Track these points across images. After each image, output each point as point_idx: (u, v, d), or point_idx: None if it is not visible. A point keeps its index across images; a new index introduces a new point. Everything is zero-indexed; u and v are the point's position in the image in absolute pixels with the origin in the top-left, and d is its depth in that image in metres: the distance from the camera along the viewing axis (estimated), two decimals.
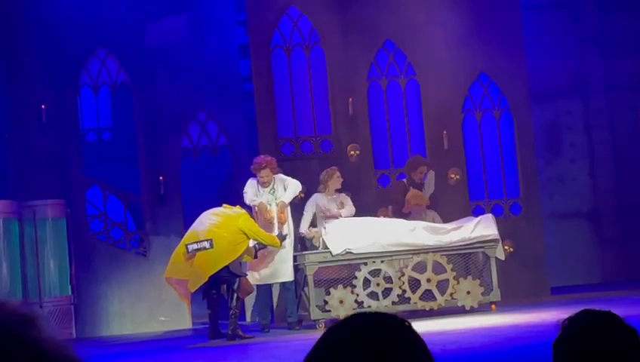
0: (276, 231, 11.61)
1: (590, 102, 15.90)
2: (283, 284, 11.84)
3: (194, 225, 11.27)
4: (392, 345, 1.78)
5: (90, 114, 14.28)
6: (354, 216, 12.30)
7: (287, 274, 11.73)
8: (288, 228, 11.75)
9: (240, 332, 10.92)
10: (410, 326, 1.84)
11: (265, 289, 11.85)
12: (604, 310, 2.53)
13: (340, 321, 1.87)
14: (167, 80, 13.80)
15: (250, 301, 13.10)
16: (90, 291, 13.39)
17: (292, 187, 11.80)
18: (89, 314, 13.38)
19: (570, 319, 2.51)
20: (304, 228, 12.23)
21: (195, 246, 10.93)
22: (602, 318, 2.51)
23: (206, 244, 10.87)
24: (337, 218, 12.05)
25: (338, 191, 12.32)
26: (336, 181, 12.23)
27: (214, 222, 11.07)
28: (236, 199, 12.96)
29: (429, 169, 12.77)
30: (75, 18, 13.60)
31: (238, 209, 11.34)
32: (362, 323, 1.82)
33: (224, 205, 11.50)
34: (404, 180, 12.86)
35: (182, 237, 13.71)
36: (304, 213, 12.37)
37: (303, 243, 12.14)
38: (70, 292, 13.01)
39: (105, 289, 13.47)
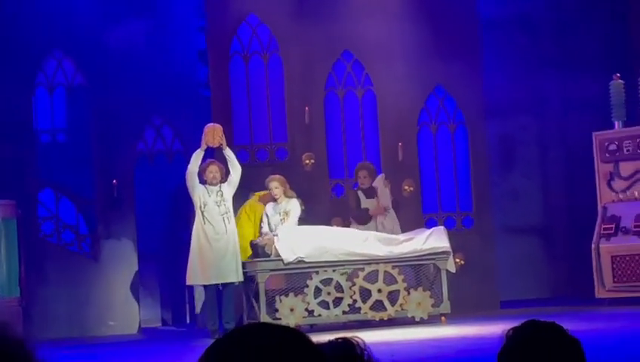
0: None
1: (545, 120, 16.05)
2: (224, 286, 11.78)
3: None
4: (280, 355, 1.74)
5: (45, 115, 14.17)
6: (307, 224, 12.31)
7: (233, 275, 11.71)
8: (229, 228, 11.77)
9: None
10: (301, 339, 1.79)
11: (212, 291, 11.81)
12: (548, 321, 2.56)
13: (231, 331, 1.83)
14: (124, 83, 13.74)
15: (201, 306, 13.06)
16: (39, 293, 13.27)
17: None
18: (37, 316, 13.26)
19: (514, 329, 2.54)
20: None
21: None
22: (546, 328, 2.54)
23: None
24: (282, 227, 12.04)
25: (287, 197, 12.27)
26: (272, 191, 12.18)
27: None
28: (190, 204, 12.94)
29: (370, 173, 12.70)
30: (31, 18, 13.50)
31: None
32: (251, 334, 1.78)
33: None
34: (356, 189, 12.89)
35: (133, 240, 13.68)
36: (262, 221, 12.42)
37: (255, 251, 12.13)
38: (19, 294, 12.89)
39: (54, 292, 13.36)
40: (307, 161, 13.61)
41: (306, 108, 13.69)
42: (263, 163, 13.57)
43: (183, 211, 14.29)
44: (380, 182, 12.73)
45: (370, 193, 12.63)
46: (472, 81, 14.22)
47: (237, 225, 11.94)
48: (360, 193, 12.72)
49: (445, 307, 12.03)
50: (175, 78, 13.98)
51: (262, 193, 12.42)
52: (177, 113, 14.02)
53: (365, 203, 12.64)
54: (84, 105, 13.94)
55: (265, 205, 12.27)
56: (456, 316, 12.02)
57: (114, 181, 13.61)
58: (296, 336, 1.72)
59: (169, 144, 14.17)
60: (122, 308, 13.51)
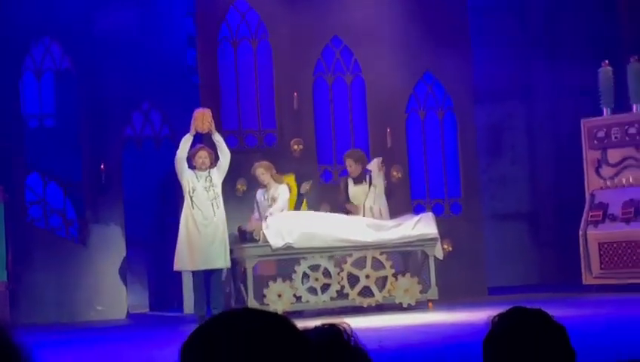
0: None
1: (533, 106, 16.07)
2: (213, 272, 11.79)
3: None
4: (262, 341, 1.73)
5: (33, 100, 14.13)
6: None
7: (221, 261, 11.73)
8: (218, 214, 11.78)
9: None
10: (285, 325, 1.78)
11: (200, 277, 11.82)
12: (534, 308, 2.57)
13: (214, 316, 1.82)
14: (112, 68, 13.71)
15: (189, 292, 13.08)
16: (26, 277, 13.27)
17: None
18: (25, 301, 13.25)
19: (499, 316, 2.55)
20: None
21: None
22: (531, 315, 2.55)
23: None
24: (270, 213, 12.05)
25: (277, 183, 12.29)
26: (259, 177, 12.26)
27: None
28: (178, 189, 12.93)
29: (357, 160, 12.59)
30: (19, 2, 13.45)
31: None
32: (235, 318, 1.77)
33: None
34: (346, 176, 12.87)
35: (121, 226, 13.67)
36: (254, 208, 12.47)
37: (243, 236, 12.15)
38: (6, 278, 12.88)
39: (42, 277, 13.36)
40: (296, 147, 13.61)
41: (295, 94, 13.68)
42: (251, 148, 13.56)
43: (171, 196, 14.29)
44: (374, 165, 12.65)
45: (359, 179, 12.60)
46: (460, 68, 14.22)
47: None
48: (349, 180, 12.70)
49: (433, 293, 12.06)
50: (164, 63, 13.95)
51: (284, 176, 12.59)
52: (166, 98, 14.00)
53: (353, 189, 12.62)
54: (72, 90, 13.90)
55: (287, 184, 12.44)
56: (443, 302, 12.06)
57: (102, 166, 13.59)
58: (279, 321, 1.73)
59: (157, 129, 14.15)
60: (110, 293, 13.51)
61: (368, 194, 12.43)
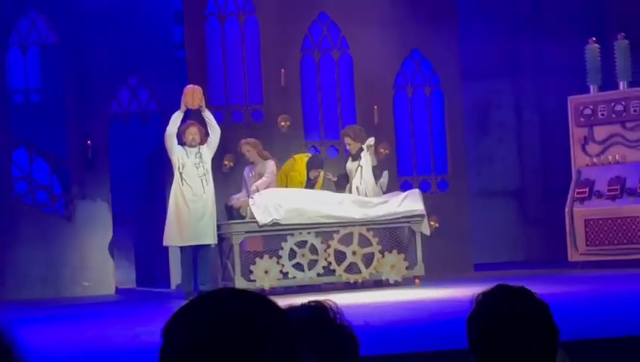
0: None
1: (520, 84, 16.10)
2: (200, 248, 11.82)
3: None
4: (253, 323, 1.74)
5: (18, 74, 14.09)
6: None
7: (209, 237, 11.76)
8: (207, 190, 11.80)
9: None
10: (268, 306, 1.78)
11: (188, 253, 11.85)
12: (518, 285, 2.60)
13: (193, 299, 1.82)
14: (99, 42, 13.67)
15: (176, 267, 13.11)
16: (12, 253, 13.27)
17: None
18: (11, 277, 13.27)
19: (483, 294, 2.58)
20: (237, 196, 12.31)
21: None
22: (515, 293, 2.58)
23: None
24: (256, 189, 12.06)
25: (263, 159, 12.31)
26: (245, 154, 12.30)
27: None
28: (165, 166, 12.94)
29: (355, 137, 12.48)
30: None
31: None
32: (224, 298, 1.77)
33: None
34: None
35: (108, 202, 13.67)
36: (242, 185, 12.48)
37: (229, 213, 12.17)
38: None
39: (28, 252, 13.36)
40: (283, 123, 13.61)
41: (282, 70, 13.67)
42: (238, 124, 13.56)
43: (158, 172, 14.30)
44: (365, 145, 12.54)
45: (355, 156, 12.58)
46: (448, 45, 14.23)
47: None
48: (350, 157, 12.65)
49: (419, 269, 12.12)
50: (151, 38, 13.92)
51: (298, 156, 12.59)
52: (153, 74, 13.98)
53: (348, 165, 12.60)
54: (58, 65, 13.86)
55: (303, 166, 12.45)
56: (430, 279, 12.11)
57: (88, 141, 13.58)
58: (262, 302, 1.74)
59: (144, 105, 14.14)
60: (97, 269, 13.52)
61: (355, 172, 12.42)
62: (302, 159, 12.52)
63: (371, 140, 12.50)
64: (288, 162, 12.59)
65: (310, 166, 12.43)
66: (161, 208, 13.63)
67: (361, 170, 12.37)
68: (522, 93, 16.10)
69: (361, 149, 12.43)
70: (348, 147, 12.58)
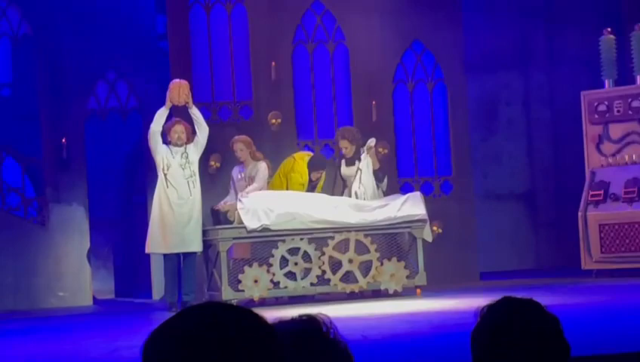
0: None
1: (530, 77, 16.13)
2: (185, 256, 11.82)
3: None
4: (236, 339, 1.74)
5: None
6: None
7: (195, 244, 11.77)
8: (194, 193, 11.81)
9: None
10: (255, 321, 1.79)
11: (173, 261, 11.84)
12: (525, 297, 2.61)
13: (174, 316, 1.84)
14: (75, 34, 13.68)
15: (158, 276, 13.11)
16: None
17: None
18: None
19: (489, 306, 2.59)
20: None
21: None
22: (522, 305, 2.59)
23: None
24: (246, 193, 12.04)
25: (255, 160, 12.31)
26: (237, 153, 12.28)
27: None
28: (147, 166, 12.94)
29: (352, 141, 12.51)
30: None
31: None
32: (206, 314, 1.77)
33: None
34: (341, 156, 12.70)
35: (85, 205, 13.68)
36: (229, 186, 12.47)
37: (216, 217, 12.17)
38: None
39: None
40: (273, 121, 13.63)
41: (273, 63, 13.69)
42: (225, 122, 13.57)
43: (139, 174, 14.31)
44: (365, 147, 12.54)
45: (352, 160, 12.58)
46: (452, 35, 14.25)
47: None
48: (342, 162, 12.64)
49: (421, 279, 12.13)
50: (130, 29, 13.93)
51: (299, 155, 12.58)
52: (133, 67, 13.99)
53: (344, 170, 12.59)
54: (31, 58, 13.86)
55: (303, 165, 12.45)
56: (432, 288, 12.12)
57: (63, 140, 13.58)
58: (249, 317, 1.75)
59: (123, 101, 14.15)
60: (73, 279, 13.52)
61: (355, 177, 12.42)
62: (303, 159, 12.52)
63: (372, 141, 12.50)
64: (287, 161, 12.58)
65: (312, 166, 12.43)
66: (142, 212, 13.62)
67: (360, 173, 12.38)
68: (532, 87, 16.13)
69: (358, 152, 12.43)
70: (344, 150, 12.55)
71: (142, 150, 13.82)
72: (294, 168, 12.43)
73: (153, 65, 13.95)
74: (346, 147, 12.52)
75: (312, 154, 12.78)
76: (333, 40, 14.08)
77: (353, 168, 12.49)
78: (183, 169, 11.81)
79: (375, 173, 12.44)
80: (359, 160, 12.45)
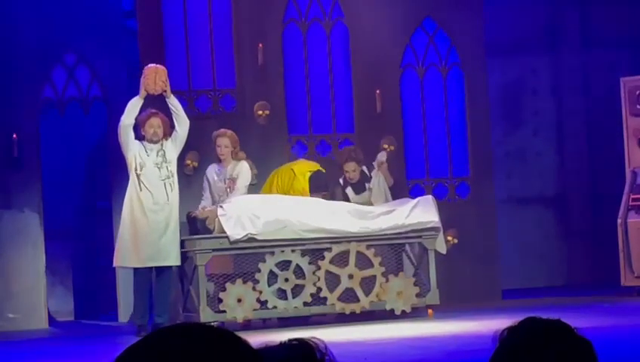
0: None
1: (561, 60, 16.16)
2: (159, 271, 11.82)
3: None
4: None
5: None
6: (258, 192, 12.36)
7: (172, 256, 11.76)
8: (172, 197, 11.83)
9: None
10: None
11: (145, 276, 11.83)
12: (552, 318, 2.62)
13: (144, 338, 1.84)
14: (26, 11, 13.69)
15: (125, 295, 13.12)
16: None
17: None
18: None
19: (509, 329, 2.59)
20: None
21: None
22: (548, 328, 2.60)
23: None
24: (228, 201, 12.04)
25: (236, 160, 12.32)
26: (220, 149, 12.27)
27: None
28: (112, 166, 12.94)
29: (360, 163, 12.61)
30: None
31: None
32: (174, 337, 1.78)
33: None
34: (342, 183, 12.74)
35: (39, 213, 13.68)
36: (203, 188, 12.46)
37: (193, 225, 12.18)
38: None
39: None
40: (260, 112, 13.65)
41: (260, 45, 13.71)
42: (204, 114, 13.59)
43: (103, 175, 14.31)
44: (377, 164, 12.61)
45: (360, 186, 12.62)
46: (470, 12, 14.28)
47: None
48: (349, 189, 12.66)
49: (433, 297, 12.15)
50: (93, 4, 13.94)
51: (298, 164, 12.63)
52: (95, 50, 14.00)
53: (356, 198, 12.61)
54: None
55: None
56: (446, 308, 12.15)
57: (14, 136, 13.60)
58: (229, 341, 1.76)
59: (84, 89, 14.16)
60: (26, 298, 13.53)
61: (369, 198, 12.54)
62: (304, 175, 12.48)
63: (383, 156, 12.64)
64: (284, 172, 12.55)
65: (313, 187, 12.43)
66: (106, 220, 13.63)
67: (371, 192, 12.51)
68: (563, 73, 16.16)
69: (363, 172, 12.53)
70: (350, 174, 12.60)
71: (107, 147, 13.83)
72: (294, 186, 12.42)
73: (119, 47, 13.96)
74: (353, 170, 12.55)
75: (313, 165, 12.73)
76: (330, 18, 14.11)
77: (365, 195, 12.55)
78: (159, 169, 11.82)
79: (389, 190, 12.59)
80: (368, 181, 12.54)
